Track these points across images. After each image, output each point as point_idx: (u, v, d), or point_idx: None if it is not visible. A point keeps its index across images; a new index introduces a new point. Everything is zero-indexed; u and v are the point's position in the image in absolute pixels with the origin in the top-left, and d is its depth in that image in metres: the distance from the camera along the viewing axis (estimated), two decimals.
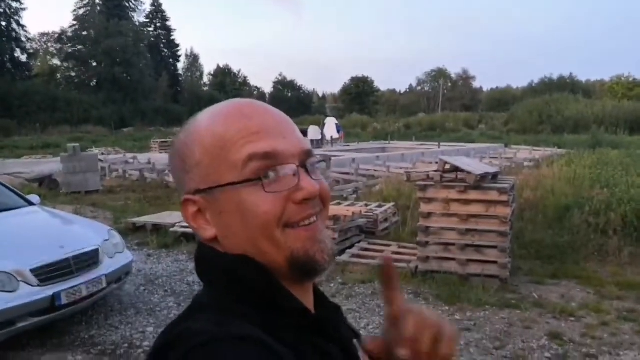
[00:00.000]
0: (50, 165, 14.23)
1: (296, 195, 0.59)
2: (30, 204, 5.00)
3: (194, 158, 0.61)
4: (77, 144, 11.78)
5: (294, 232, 0.59)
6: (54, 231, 4.53)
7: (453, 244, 5.05)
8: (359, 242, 6.27)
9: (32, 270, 3.63)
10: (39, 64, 50.40)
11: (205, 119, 0.63)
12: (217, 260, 0.61)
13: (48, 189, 10.84)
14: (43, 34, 52.13)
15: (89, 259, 4.08)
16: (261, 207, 0.58)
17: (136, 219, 7.53)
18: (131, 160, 15.67)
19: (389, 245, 6.18)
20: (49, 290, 3.64)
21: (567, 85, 47.39)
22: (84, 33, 48.29)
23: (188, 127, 0.64)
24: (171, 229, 6.86)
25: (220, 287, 0.61)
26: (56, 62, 50.70)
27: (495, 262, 4.93)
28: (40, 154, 20.86)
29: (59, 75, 49.69)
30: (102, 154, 17.84)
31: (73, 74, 49.78)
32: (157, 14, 56.57)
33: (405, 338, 0.53)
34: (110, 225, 6.78)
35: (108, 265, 4.22)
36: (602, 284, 4.99)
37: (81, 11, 50.24)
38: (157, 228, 7.08)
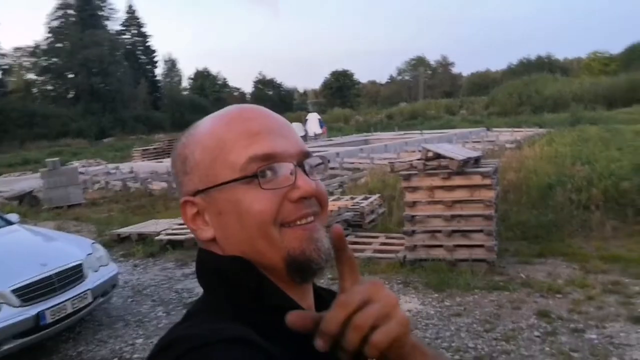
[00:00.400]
0: (30, 181, 14.00)
1: (292, 194, 0.59)
2: (9, 223, 4.90)
3: (194, 159, 0.62)
4: (57, 158, 11.60)
5: (290, 231, 0.59)
6: (34, 249, 4.44)
7: (439, 231, 5.08)
8: (346, 235, 6.24)
9: (13, 291, 3.55)
10: (14, 79, 49.45)
11: (207, 122, 0.65)
12: (211, 263, 0.62)
13: (29, 206, 10.66)
14: (17, 49, 50.99)
15: (73, 275, 4.02)
16: (257, 205, 0.58)
17: (121, 230, 7.44)
18: (113, 171, 15.49)
19: (376, 237, 6.18)
20: (32, 310, 3.57)
21: (545, 65, 47.76)
22: (59, 45, 47.40)
23: (190, 131, 0.66)
24: (156, 238, 6.79)
25: (215, 289, 0.62)
26: (32, 76, 49.78)
27: (482, 246, 4.96)
28: (19, 171, 20.50)
29: (35, 90, 48.79)
30: (83, 166, 17.59)
31: (50, 88, 48.91)
32: (132, 20, 55.71)
33: (322, 329, 0.47)
34: (94, 238, 6.71)
35: (93, 280, 4.17)
36: (587, 258, 5.05)
37: (55, 23, 49.23)
38: (143, 237, 7.01)
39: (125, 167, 16.32)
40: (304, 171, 0.61)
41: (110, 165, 17.77)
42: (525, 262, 5.12)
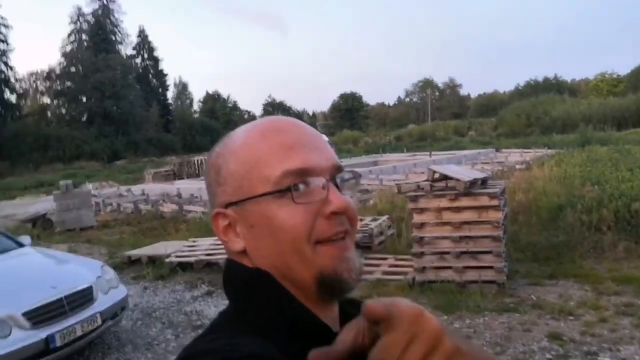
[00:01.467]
0: (44, 204, 14.18)
1: (325, 209, 0.58)
2: (21, 245, 4.97)
3: (228, 169, 0.62)
4: (70, 181, 11.75)
5: (323, 249, 0.58)
6: (45, 271, 4.49)
7: (448, 253, 5.05)
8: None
9: (24, 314, 3.59)
10: (29, 103, 50.53)
11: (241, 133, 0.64)
12: (237, 275, 0.62)
13: (42, 229, 10.78)
14: (32, 73, 52.27)
15: (83, 297, 4.04)
16: (291, 220, 0.58)
17: (131, 252, 7.48)
18: (125, 193, 15.63)
19: (385, 259, 6.16)
20: (42, 333, 3.60)
21: (552, 86, 47.89)
22: (72, 69, 48.54)
23: (224, 141, 0.65)
24: (166, 260, 6.82)
25: (239, 300, 0.61)
26: (46, 100, 50.88)
27: (491, 267, 4.92)
28: (34, 194, 20.78)
29: (49, 113, 49.77)
30: (96, 188, 17.78)
31: (64, 111, 49.87)
32: (144, 45, 56.91)
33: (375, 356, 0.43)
34: (105, 260, 6.76)
35: (102, 302, 4.18)
36: (599, 280, 4.98)
37: (68, 48, 50.60)
38: (153, 260, 7.04)
39: (137, 189, 16.46)
40: (336, 186, 0.61)
41: (123, 188, 17.95)
42: (536, 284, 5.06)
